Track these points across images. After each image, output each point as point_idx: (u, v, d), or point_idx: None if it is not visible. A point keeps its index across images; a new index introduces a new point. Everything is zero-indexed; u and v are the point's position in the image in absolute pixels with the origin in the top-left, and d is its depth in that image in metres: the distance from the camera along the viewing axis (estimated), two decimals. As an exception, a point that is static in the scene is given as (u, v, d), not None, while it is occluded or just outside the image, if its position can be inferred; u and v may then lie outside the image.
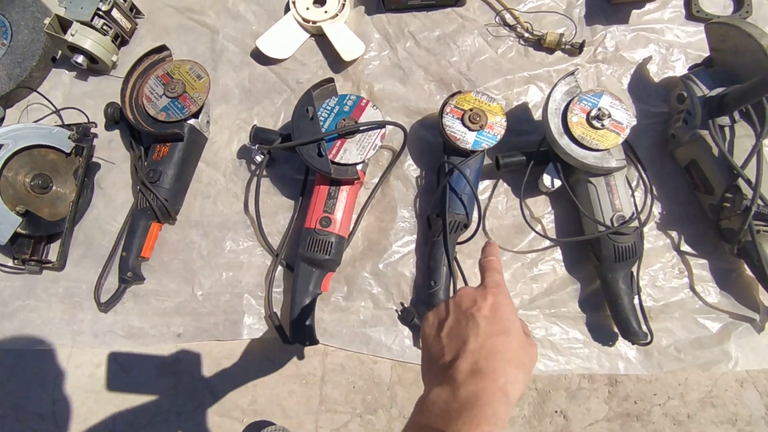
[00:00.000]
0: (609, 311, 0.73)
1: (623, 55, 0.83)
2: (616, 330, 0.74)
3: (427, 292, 0.72)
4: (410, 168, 0.81)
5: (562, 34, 0.82)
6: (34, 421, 0.76)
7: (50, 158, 0.80)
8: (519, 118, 0.82)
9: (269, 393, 0.75)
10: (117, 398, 0.76)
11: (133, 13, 0.90)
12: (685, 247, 0.77)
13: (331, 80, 0.76)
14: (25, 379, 0.77)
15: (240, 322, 0.76)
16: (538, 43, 0.84)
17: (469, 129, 0.73)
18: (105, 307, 0.75)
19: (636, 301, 0.72)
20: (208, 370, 0.75)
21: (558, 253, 0.78)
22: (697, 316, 0.73)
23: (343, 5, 0.86)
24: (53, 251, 0.83)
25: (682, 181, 0.78)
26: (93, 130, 0.85)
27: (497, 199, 0.79)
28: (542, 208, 0.79)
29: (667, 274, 0.76)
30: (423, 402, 0.37)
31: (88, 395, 0.76)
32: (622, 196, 0.72)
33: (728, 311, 0.73)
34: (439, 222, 0.73)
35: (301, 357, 0.76)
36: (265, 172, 0.82)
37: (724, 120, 0.70)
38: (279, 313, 0.75)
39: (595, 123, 0.71)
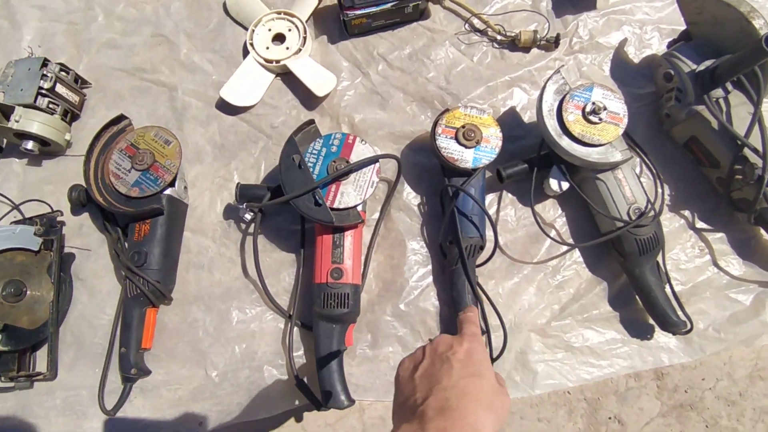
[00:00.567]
0: (643, 305, 0.71)
1: (599, 41, 0.81)
2: (651, 322, 0.72)
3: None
4: (409, 196, 0.77)
5: (536, 31, 0.80)
6: None
7: (18, 261, 0.72)
8: (509, 124, 0.79)
9: (311, 465, 0.69)
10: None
11: (79, 84, 0.83)
12: (700, 224, 0.75)
13: (311, 122, 0.71)
14: None
15: (265, 396, 0.70)
16: (513, 44, 0.82)
17: (466, 147, 0.70)
18: (113, 411, 0.68)
19: (668, 289, 0.70)
20: (239, 455, 0.70)
21: (578, 255, 0.75)
22: (727, 291, 0.72)
23: (305, 39, 0.81)
24: (41, 359, 0.75)
25: (684, 159, 0.77)
26: (59, 218, 0.77)
27: (505, 212, 0.76)
28: (552, 212, 0.76)
29: (689, 255, 0.75)
30: None
31: None
32: (633, 186, 0.70)
33: (756, 281, 0.72)
34: (454, 249, 0.70)
35: (337, 419, 0.70)
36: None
37: (718, 92, 0.69)
38: (306, 378, 0.69)
39: (592, 118, 0.68)
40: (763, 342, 0.71)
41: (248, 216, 0.75)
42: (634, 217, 0.68)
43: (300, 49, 0.81)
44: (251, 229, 0.77)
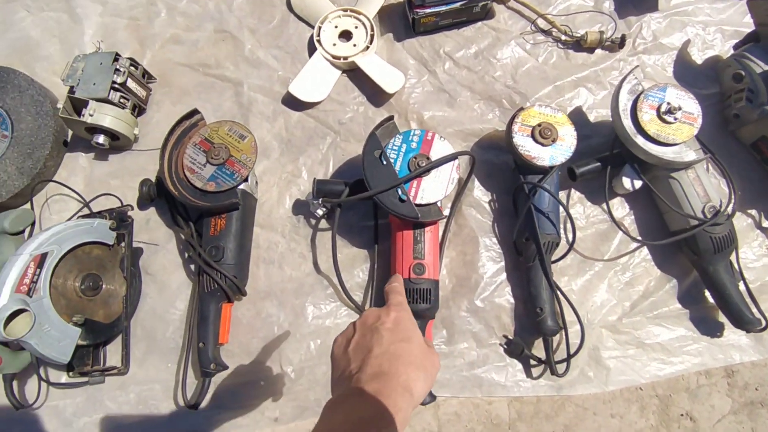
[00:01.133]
0: (716, 303, 0.71)
1: (662, 42, 0.83)
2: (721, 320, 0.73)
3: (535, 320, 0.69)
4: (479, 193, 0.78)
5: (602, 32, 0.80)
6: None
7: (95, 254, 0.72)
8: (576, 123, 0.78)
9: (389, 460, 0.69)
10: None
11: (146, 78, 0.83)
12: (766, 224, 0.76)
13: (391, 118, 0.71)
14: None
15: (342, 391, 0.70)
16: (578, 44, 0.83)
17: (542, 145, 0.70)
18: (195, 406, 0.68)
19: (741, 287, 0.70)
20: (316, 450, 0.69)
21: (646, 253, 0.76)
22: (796, 289, 0.73)
23: (372, 36, 0.82)
24: (110, 354, 0.75)
25: (749, 159, 0.78)
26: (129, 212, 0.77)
27: (574, 210, 0.77)
28: (620, 211, 0.77)
29: (756, 254, 0.76)
30: (328, 404, 0.39)
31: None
32: (707, 185, 0.71)
33: (825, 279, 0.73)
34: (530, 246, 0.70)
35: (412, 414, 0.70)
36: (327, 225, 0.77)
37: (790, 93, 0.70)
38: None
39: (667, 118, 0.69)
40: (834, 339, 0.71)
41: (320, 212, 0.75)
42: (709, 215, 0.69)
43: (368, 47, 0.81)
44: (322, 225, 0.77)
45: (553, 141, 0.71)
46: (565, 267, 0.74)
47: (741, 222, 0.76)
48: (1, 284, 0.58)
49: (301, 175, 0.79)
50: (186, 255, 0.77)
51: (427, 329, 0.69)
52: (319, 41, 0.82)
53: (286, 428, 0.71)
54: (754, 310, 0.69)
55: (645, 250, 0.76)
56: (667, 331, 0.73)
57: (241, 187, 0.73)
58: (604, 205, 0.77)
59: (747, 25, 0.81)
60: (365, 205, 0.76)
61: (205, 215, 0.73)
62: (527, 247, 0.71)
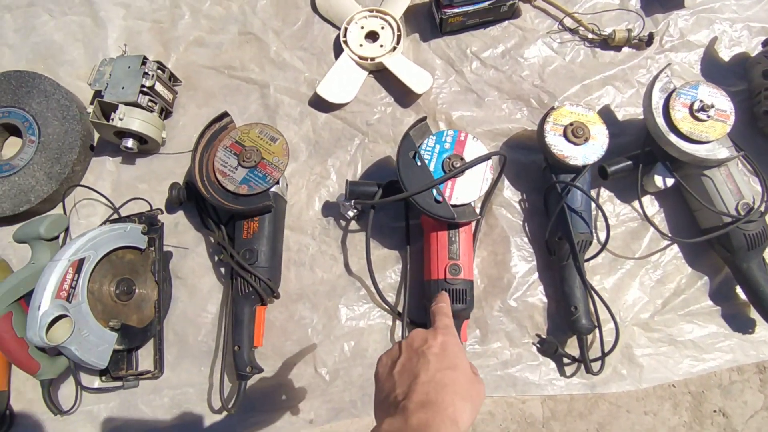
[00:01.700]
0: (748, 300, 0.72)
1: (689, 39, 0.82)
2: (753, 316, 0.73)
3: (570, 319, 0.69)
4: (509, 193, 0.78)
5: (630, 30, 0.80)
6: None
7: (127, 259, 0.71)
8: (605, 122, 0.79)
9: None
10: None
11: (172, 81, 0.83)
12: (796, 220, 0.76)
13: (424, 118, 0.71)
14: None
15: (378, 393, 0.70)
16: (605, 43, 0.82)
17: (575, 144, 0.70)
18: (233, 409, 0.68)
19: (775, 284, 0.71)
20: (352, 451, 0.70)
21: (677, 251, 0.76)
22: (828, 286, 0.73)
23: (399, 36, 0.81)
24: (141, 358, 0.75)
25: (778, 156, 0.78)
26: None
27: (604, 209, 0.76)
28: (651, 209, 0.77)
29: (786, 250, 0.75)
30: None
31: None
32: (740, 182, 0.71)
33: None
34: (563, 245, 0.70)
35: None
36: (357, 226, 0.77)
37: (822, 90, 0.70)
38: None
39: (700, 115, 0.69)
40: None
41: (350, 213, 0.75)
42: (743, 213, 0.69)
43: (395, 47, 0.81)
44: (352, 226, 0.77)
45: (586, 140, 0.71)
46: (597, 266, 0.75)
47: (770, 219, 0.76)
48: (42, 290, 0.58)
49: (329, 177, 0.79)
50: (216, 258, 0.77)
51: (463, 329, 0.69)
52: (345, 42, 0.82)
53: (321, 430, 0.71)
54: (788, 306, 0.69)
55: (675, 248, 0.76)
56: (699, 328, 0.73)
57: (273, 189, 0.72)
58: (634, 204, 0.77)
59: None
60: (396, 206, 0.76)
61: (237, 218, 0.73)
62: (560, 246, 0.71)
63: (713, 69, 0.82)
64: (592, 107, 0.75)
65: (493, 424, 0.72)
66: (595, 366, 0.69)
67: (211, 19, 0.87)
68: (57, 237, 0.71)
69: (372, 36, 0.83)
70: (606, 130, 0.71)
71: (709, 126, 0.69)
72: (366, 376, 0.71)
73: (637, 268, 0.75)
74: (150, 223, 0.75)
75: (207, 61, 0.85)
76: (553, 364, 0.72)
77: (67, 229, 0.75)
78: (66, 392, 0.72)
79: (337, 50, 0.84)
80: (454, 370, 0.41)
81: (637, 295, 0.74)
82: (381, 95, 0.83)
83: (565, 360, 0.72)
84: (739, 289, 0.74)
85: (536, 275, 0.74)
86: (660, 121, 0.70)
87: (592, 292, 0.70)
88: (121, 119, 0.74)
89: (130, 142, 0.76)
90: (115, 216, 0.77)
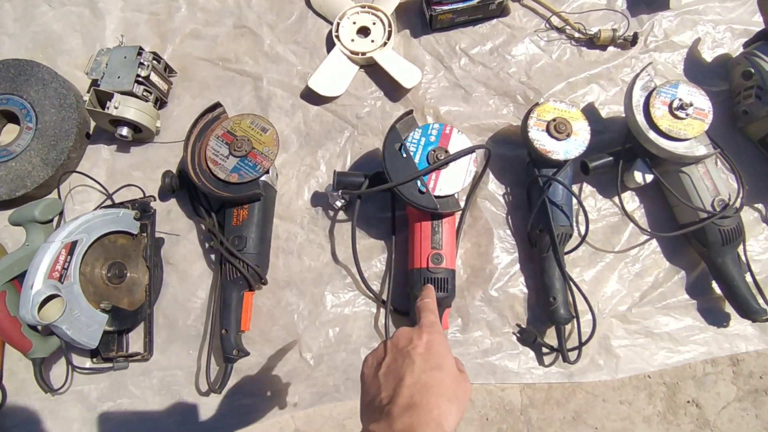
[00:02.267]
0: (723, 294, 0.74)
1: (673, 40, 0.84)
2: (727, 310, 0.75)
3: (549, 309, 0.71)
4: (493, 186, 0.80)
5: (615, 30, 0.82)
6: None
7: (120, 244, 0.73)
8: (589, 118, 0.81)
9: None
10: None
11: (167, 72, 0.85)
12: (772, 218, 0.78)
13: (410, 112, 0.73)
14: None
15: (361, 377, 0.72)
16: (591, 42, 0.84)
17: (557, 139, 0.72)
18: (219, 390, 0.70)
19: (748, 278, 0.73)
20: (334, 434, 0.72)
21: (656, 245, 0.78)
22: (801, 282, 0.75)
23: (389, 32, 0.83)
24: (132, 341, 0.77)
25: (756, 155, 0.80)
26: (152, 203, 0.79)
27: (585, 203, 0.78)
28: (630, 204, 0.79)
29: (762, 247, 0.78)
30: None
31: (212, 488, 0.71)
32: (717, 179, 0.73)
33: (828, 272, 0.76)
34: (544, 237, 0.72)
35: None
36: (345, 216, 0.79)
37: (799, 91, 0.72)
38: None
39: (679, 113, 0.71)
40: (837, 330, 0.74)
41: (339, 203, 0.77)
42: (718, 209, 0.71)
43: (385, 43, 0.83)
44: (340, 216, 0.79)
45: (568, 135, 0.72)
46: (577, 258, 0.77)
47: (748, 216, 0.78)
48: (35, 270, 0.60)
49: (319, 168, 0.81)
50: (206, 245, 0.79)
51: (444, 317, 0.71)
52: (337, 37, 0.84)
53: (305, 413, 0.73)
54: (760, 300, 0.71)
55: (654, 243, 0.78)
56: (675, 321, 0.75)
57: (263, 178, 0.74)
58: (615, 199, 0.79)
59: (757, 23, 0.83)
60: (383, 196, 0.78)
61: (227, 206, 0.75)
62: (541, 238, 0.73)
63: (696, 69, 0.84)
64: (576, 104, 0.77)
65: (473, 411, 0.74)
66: (572, 355, 0.71)
67: (207, 12, 0.89)
68: (51, 220, 0.73)
69: (363, 31, 0.85)
70: (588, 126, 0.73)
71: (687, 124, 0.71)
72: (349, 362, 0.73)
73: (617, 261, 0.77)
74: (143, 209, 0.77)
75: (202, 53, 0.87)
76: (532, 354, 0.74)
77: (61, 213, 0.77)
78: (57, 372, 0.74)
79: (330, 45, 0.86)
80: (440, 371, 0.41)
81: (616, 288, 0.76)
82: (371, 89, 0.85)
83: (544, 349, 0.74)
84: (715, 285, 0.76)
85: (518, 267, 0.76)
86: (640, 118, 0.72)
87: (571, 283, 0.72)
88: (116, 108, 0.76)
89: (125, 131, 0.78)
90: (109, 202, 0.78)
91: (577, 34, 0.84)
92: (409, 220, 0.74)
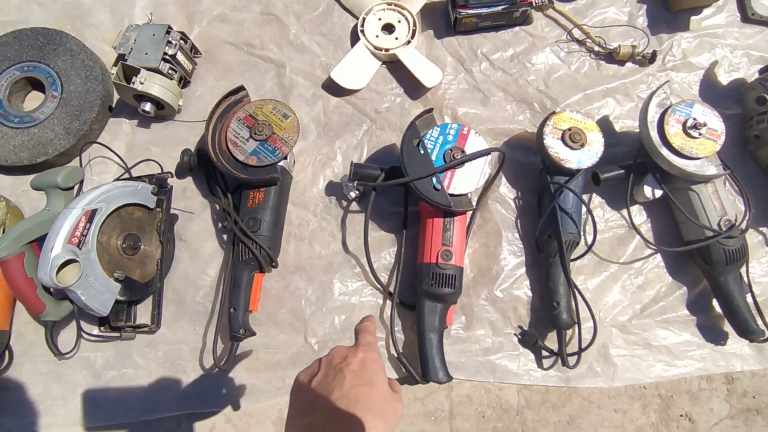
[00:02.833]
0: (723, 312, 0.75)
1: (691, 61, 0.86)
2: (726, 329, 0.76)
3: (551, 314, 0.73)
4: (505, 189, 0.81)
5: (634, 46, 0.84)
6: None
7: (136, 216, 0.75)
8: (603, 131, 0.83)
9: (401, 435, 0.73)
10: (240, 462, 0.72)
11: (193, 52, 0.86)
12: (776, 241, 0.80)
13: (430, 110, 0.74)
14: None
15: (363, 366, 0.73)
16: (610, 56, 0.86)
17: (571, 148, 0.74)
18: (224, 367, 0.71)
19: (748, 299, 0.74)
20: (333, 419, 0.73)
21: (660, 260, 0.79)
22: (800, 306, 0.77)
23: (414, 31, 0.85)
24: (140, 313, 0.78)
25: (764, 179, 0.81)
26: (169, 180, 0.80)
27: (593, 214, 0.80)
28: (638, 218, 0.81)
29: (765, 269, 0.79)
30: None
31: (208, 463, 0.72)
32: (725, 200, 0.74)
33: (828, 299, 0.77)
34: (552, 243, 0.74)
35: (426, 394, 0.74)
36: (358, 207, 0.80)
37: (811, 118, 0.74)
38: (402, 353, 0.73)
39: (692, 132, 0.73)
40: (831, 355, 0.75)
41: (353, 194, 0.78)
42: (724, 228, 0.73)
43: (409, 41, 0.84)
44: (353, 207, 0.80)
45: (582, 145, 0.74)
46: (582, 266, 0.78)
47: (753, 238, 0.80)
48: (56, 234, 0.61)
49: (335, 158, 0.83)
50: (219, 225, 0.80)
51: (449, 314, 0.72)
52: (362, 32, 0.85)
53: (305, 397, 0.74)
54: (759, 321, 0.73)
55: (659, 257, 0.79)
56: (673, 335, 0.77)
57: (281, 164, 0.76)
58: (623, 211, 0.80)
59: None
60: (396, 191, 0.79)
61: (244, 188, 0.76)
62: (549, 243, 0.74)
63: (711, 91, 0.85)
64: (592, 116, 0.78)
65: (470, 407, 0.75)
66: (572, 360, 0.73)
67: (236, -3, 0.91)
68: (72, 188, 0.74)
69: (388, 28, 0.86)
70: (602, 138, 0.75)
71: (700, 143, 0.73)
72: (352, 349, 0.74)
73: (620, 272, 0.78)
74: (160, 185, 0.79)
75: (228, 37, 0.89)
76: (531, 356, 0.75)
77: (81, 182, 0.78)
78: (66, 338, 0.76)
79: (354, 39, 0.87)
80: (371, 387, 0.41)
81: (618, 298, 0.77)
82: (392, 85, 0.86)
83: (544, 352, 0.75)
84: (715, 303, 0.77)
85: (523, 270, 0.78)
86: (654, 134, 0.74)
87: (575, 290, 0.73)
88: (142, 83, 0.77)
89: (147, 106, 0.79)
90: (127, 175, 0.80)
91: (596, 48, 0.86)
92: (421, 216, 0.75)
